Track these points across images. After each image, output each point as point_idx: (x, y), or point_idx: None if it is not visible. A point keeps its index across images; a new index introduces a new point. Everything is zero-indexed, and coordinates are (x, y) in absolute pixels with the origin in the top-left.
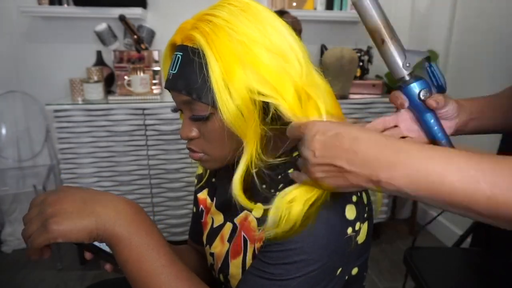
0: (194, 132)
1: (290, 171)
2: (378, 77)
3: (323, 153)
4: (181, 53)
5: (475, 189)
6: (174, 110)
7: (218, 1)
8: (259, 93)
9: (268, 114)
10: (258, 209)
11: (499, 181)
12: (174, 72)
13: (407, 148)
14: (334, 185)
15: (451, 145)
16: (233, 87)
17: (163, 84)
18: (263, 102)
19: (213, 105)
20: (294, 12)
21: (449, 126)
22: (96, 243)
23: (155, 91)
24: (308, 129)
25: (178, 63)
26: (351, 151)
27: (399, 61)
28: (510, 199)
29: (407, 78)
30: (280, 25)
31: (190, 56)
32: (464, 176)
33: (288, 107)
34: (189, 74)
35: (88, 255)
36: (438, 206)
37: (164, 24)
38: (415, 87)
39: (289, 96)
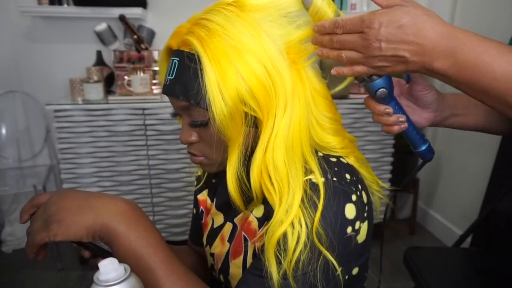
0: (194, 137)
1: None
2: None
3: (389, 45)
4: (178, 59)
5: None
6: (173, 115)
7: (213, 4)
8: (248, 105)
9: (255, 125)
10: (258, 209)
11: None
12: (171, 77)
13: (465, 40)
14: (391, 71)
15: (418, 132)
16: (226, 91)
17: None
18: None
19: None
20: None
21: (426, 117)
22: (94, 242)
23: (155, 91)
24: (371, 22)
25: (175, 68)
26: (415, 43)
27: None
28: None
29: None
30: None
31: (186, 61)
32: (508, 67)
33: (267, 130)
34: (186, 80)
35: (86, 253)
36: (473, 93)
37: (164, 24)
38: (379, 84)
39: (271, 119)
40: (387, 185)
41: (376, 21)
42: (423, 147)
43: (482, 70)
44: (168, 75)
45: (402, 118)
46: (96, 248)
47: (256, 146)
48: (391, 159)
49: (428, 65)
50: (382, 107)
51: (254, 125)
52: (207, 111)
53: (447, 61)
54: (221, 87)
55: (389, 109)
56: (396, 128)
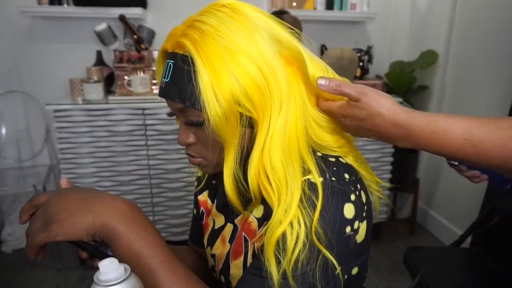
0: (191, 138)
1: None
2: (378, 77)
3: (358, 133)
4: (172, 61)
5: (464, 143)
6: (170, 114)
7: (207, 6)
8: (242, 105)
9: (250, 126)
10: (258, 209)
11: (478, 132)
12: (166, 80)
13: (412, 128)
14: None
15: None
16: (220, 92)
17: None
18: (247, 115)
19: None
20: (294, 12)
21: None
22: (93, 243)
23: (155, 91)
24: (343, 116)
25: (170, 71)
26: (374, 131)
27: None
28: (487, 146)
29: None
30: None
31: (180, 63)
32: (458, 136)
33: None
34: (181, 82)
35: (84, 255)
36: (464, 158)
37: (164, 24)
38: None
39: (267, 120)
40: (387, 184)
41: (345, 115)
42: (507, 186)
43: (445, 143)
44: (164, 78)
45: (477, 173)
46: (93, 250)
47: (252, 146)
48: (391, 159)
49: (397, 144)
50: (456, 163)
51: (250, 126)
52: (201, 112)
53: (408, 143)
54: (215, 88)
55: (462, 167)
56: (474, 180)
